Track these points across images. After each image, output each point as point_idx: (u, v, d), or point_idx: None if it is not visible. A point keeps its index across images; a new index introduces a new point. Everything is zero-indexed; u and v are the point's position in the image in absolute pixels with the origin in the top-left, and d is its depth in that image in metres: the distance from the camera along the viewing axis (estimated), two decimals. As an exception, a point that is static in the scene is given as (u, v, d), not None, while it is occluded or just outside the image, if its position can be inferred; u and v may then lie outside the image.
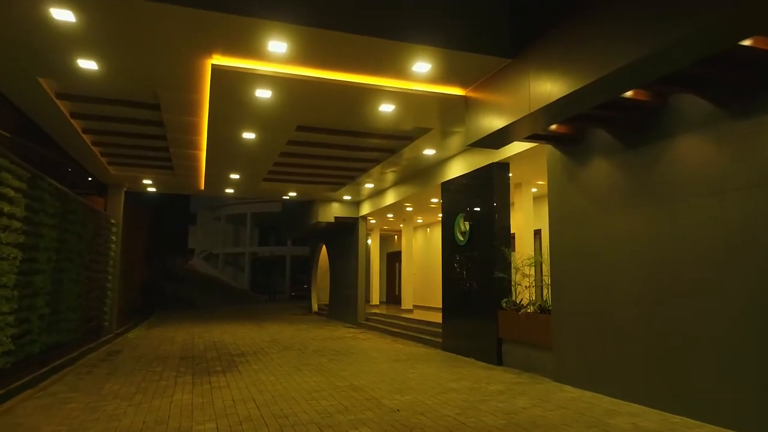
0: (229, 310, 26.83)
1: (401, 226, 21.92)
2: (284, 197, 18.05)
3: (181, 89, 7.71)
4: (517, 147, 9.12)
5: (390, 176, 14.02)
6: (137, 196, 18.10)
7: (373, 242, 21.77)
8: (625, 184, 6.79)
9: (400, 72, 7.11)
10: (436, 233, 20.50)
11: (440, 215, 19.24)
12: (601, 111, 6.58)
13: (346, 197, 17.48)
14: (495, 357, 9.39)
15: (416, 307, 19.32)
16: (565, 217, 7.83)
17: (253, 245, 44.76)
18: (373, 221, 19.41)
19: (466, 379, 8.00)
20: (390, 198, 15.40)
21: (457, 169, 11.26)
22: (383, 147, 11.21)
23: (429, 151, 11.13)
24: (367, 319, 17.77)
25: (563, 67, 5.78)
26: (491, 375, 8.40)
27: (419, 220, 19.96)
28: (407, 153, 11.29)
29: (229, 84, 7.30)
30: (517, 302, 9.18)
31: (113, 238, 14.32)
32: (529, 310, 8.63)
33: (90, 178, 14.59)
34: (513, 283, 9.30)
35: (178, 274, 37.21)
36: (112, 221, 14.38)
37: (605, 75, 5.16)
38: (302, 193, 17.05)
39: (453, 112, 8.49)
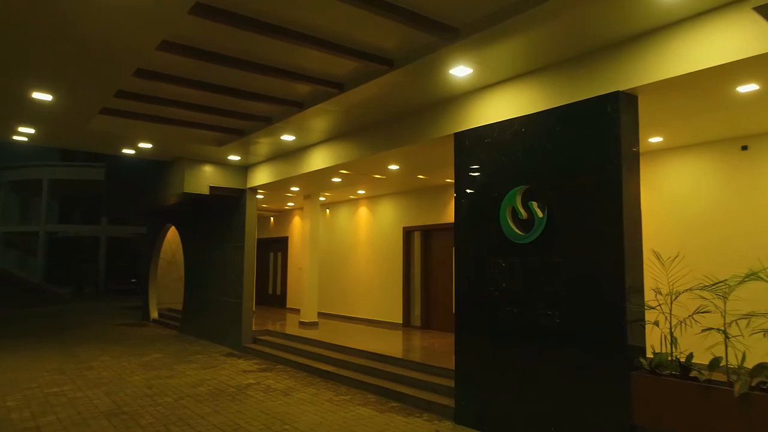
0: (16, 318, 18.35)
1: (290, 204, 16.38)
2: (126, 150, 11.23)
3: None
4: (659, 69, 4.78)
5: (325, 122, 8.59)
6: None
7: (249, 225, 15.79)
8: None
9: None
10: (343, 215, 15.43)
11: (361, 191, 14.26)
12: None
13: (233, 157, 11.42)
14: (623, 462, 4.94)
15: (318, 315, 14.05)
16: None
17: (52, 222, 34.08)
18: (260, 195, 13.55)
19: None
20: (317, 161, 9.89)
21: (502, 108, 6.39)
22: (353, 65, 5.91)
23: (462, 71, 6.10)
24: (255, 341, 12.07)
25: None
26: None
27: (322, 198, 14.63)
28: (404, 75, 6.15)
29: None
30: (683, 360, 4.79)
31: None
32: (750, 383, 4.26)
33: None
34: (670, 326, 4.85)
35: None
36: None
37: None
38: (163, 146, 10.55)
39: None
